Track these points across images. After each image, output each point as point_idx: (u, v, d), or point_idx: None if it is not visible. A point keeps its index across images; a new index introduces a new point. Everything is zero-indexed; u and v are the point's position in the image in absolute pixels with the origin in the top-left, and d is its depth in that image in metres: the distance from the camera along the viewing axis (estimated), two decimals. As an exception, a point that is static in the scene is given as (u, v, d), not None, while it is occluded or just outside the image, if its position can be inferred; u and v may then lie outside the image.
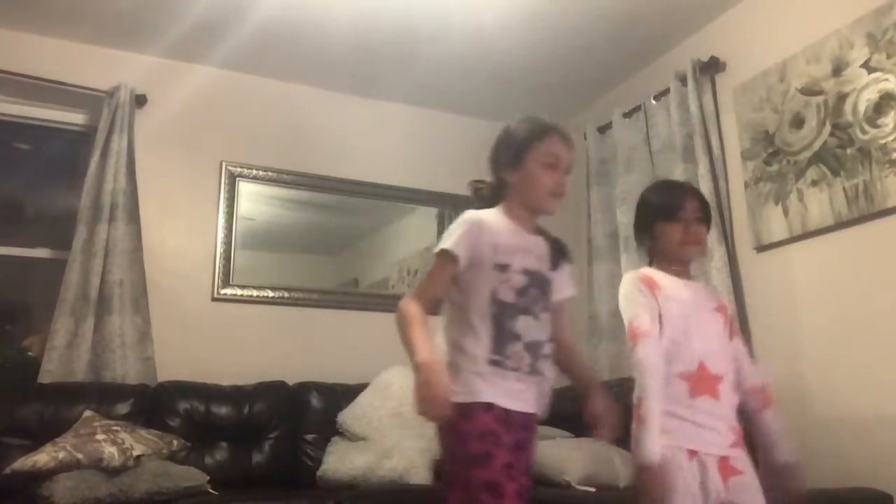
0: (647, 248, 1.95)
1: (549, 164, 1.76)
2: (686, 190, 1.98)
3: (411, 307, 1.64)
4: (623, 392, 3.10)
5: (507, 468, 1.56)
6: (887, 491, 2.34)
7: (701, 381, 1.73)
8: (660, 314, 1.77)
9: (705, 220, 1.90)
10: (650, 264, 1.92)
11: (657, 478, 1.62)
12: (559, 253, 1.81)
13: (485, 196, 1.86)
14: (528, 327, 1.69)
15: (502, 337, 1.66)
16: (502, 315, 1.66)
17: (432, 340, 1.60)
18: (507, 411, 1.62)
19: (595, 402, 1.75)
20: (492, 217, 1.76)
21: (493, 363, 1.63)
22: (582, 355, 1.96)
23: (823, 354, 2.75)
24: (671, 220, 1.86)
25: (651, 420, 1.64)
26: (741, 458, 1.74)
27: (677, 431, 1.69)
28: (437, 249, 1.70)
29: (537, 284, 1.72)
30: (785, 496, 1.74)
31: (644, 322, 1.75)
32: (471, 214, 1.76)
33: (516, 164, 1.77)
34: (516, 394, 1.65)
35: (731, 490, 1.68)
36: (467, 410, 1.59)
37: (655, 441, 1.63)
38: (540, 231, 1.82)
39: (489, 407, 1.60)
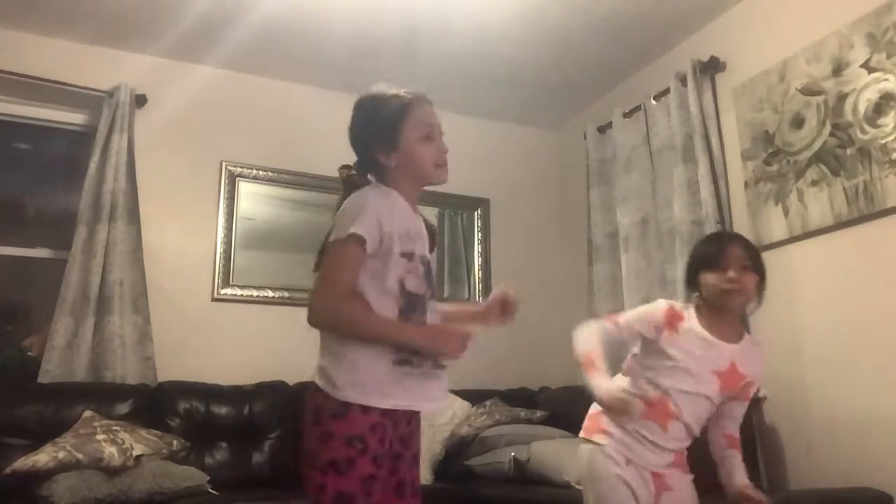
0: (696, 299, 1.95)
1: (427, 135, 1.60)
2: (729, 237, 2.05)
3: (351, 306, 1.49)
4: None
5: (366, 481, 1.43)
6: (887, 491, 2.34)
7: (656, 410, 1.84)
8: (661, 349, 1.87)
9: (753, 268, 1.88)
10: (699, 311, 1.92)
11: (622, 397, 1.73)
12: (433, 236, 1.69)
13: (357, 184, 1.63)
14: (433, 318, 1.59)
15: None
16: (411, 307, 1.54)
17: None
18: (391, 412, 1.48)
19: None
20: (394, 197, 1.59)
21: (401, 362, 1.50)
22: None
23: (823, 354, 2.75)
24: (712, 268, 1.87)
25: (589, 367, 1.80)
26: (676, 477, 1.88)
27: (621, 442, 1.85)
28: (342, 234, 1.50)
29: (429, 272, 1.61)
30: None
31: (626, 320, 1.90)
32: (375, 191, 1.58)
33: (393, 146, 1.58)
34: (425, 392, 1.54)
35: (663, 501, 1.84)
36: (342, 409, 1.45)
37: (601, 379, 1.77)
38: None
39: (367, 410, 1.45)
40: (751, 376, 1.91)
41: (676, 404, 1.85)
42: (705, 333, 1.87)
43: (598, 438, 1.87)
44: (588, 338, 1.84)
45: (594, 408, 1.90)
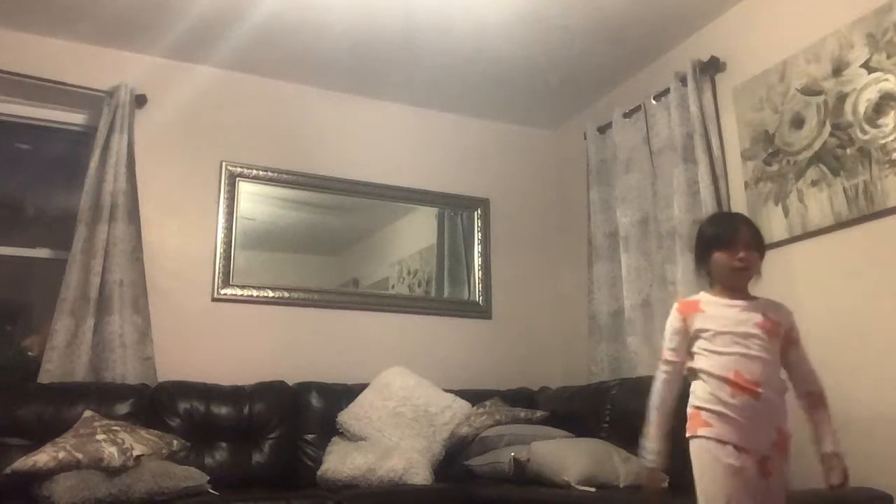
0: (706, 275, 2.07)
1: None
2: (739, 219, 2.18)
3: None
4: (623, 392, 3.11)
5: None
6: (887, 491, 2.33)
7: (738, 386, 1.88)
8: (696, 332, 1.97)
9: (756, 247, 2.02)
10: (711, 287, 2.06)
11: (653, 477, 1.95)
12: None
13: None
14: None
15: None
16: None
17: None
18: None
19: None
20: None
21: None
22: None
23: (823, 354, 2.72)
24: (724, 248, 1.99)
25: (649, 431, 1.95)
26: (777, 462, 1.88)
27: (719, 426, 1.86)
28: None
29: None
30: (826, 480, 1.91)
31: (667, 350, 2.01)
32: None
33: None
34: None
35: (764, 492, 1.84)
36: None
37: (653, 449, 1.94)
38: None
39: None
40: (785, 322, 2.00)
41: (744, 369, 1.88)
42: (726, 300, 1.99)
43: (703, 431, 1.88)
44: (664, 396, 1.97)
45: (691, 407, 1.95)
